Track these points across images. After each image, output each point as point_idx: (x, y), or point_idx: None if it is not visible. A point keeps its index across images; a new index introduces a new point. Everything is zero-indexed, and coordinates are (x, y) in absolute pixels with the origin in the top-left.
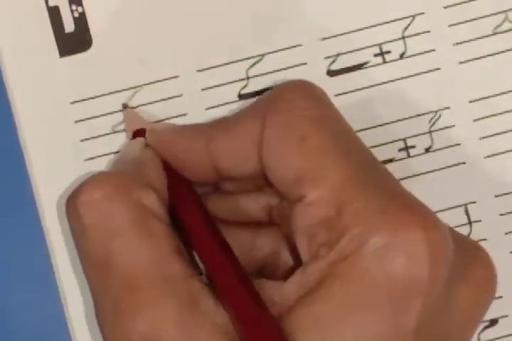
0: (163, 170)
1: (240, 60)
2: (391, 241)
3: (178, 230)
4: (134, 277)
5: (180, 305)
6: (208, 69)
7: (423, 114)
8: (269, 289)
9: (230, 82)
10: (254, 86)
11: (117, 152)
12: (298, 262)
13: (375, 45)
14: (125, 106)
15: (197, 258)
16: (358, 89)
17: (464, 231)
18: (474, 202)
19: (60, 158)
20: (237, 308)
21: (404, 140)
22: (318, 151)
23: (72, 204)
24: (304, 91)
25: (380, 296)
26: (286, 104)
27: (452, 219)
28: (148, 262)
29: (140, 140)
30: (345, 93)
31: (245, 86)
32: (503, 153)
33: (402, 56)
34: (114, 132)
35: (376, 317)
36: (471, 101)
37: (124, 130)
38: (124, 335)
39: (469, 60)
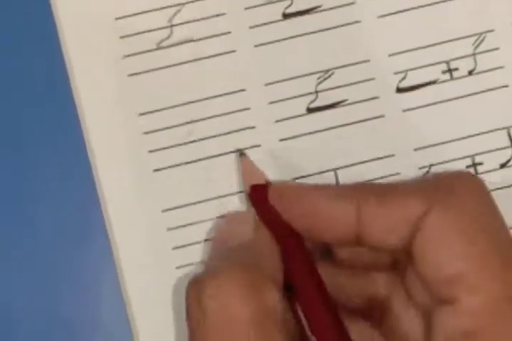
0: (280, 259)
1: None
2: None
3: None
4: None
5: None
6: None
7: (467, 37)
8: None
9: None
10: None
11: (162, 67)
12: None
13: None
14: (241, 153)
15: None
16: (400, 11)
17: (506, 154)
18: None
19: (103, 74)
20: None
21: (447, 62)
22: (484, 258)
23: (197, 292)
24: (477, 191)
25: None
26: (460, 200)
27: (494, 142)
28: None
29: (251, 214)
30: (391, 14)
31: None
32: None
33: None
34: (158, 48)
35: None
36: None
37: (169, 46)
38: None
39: None
